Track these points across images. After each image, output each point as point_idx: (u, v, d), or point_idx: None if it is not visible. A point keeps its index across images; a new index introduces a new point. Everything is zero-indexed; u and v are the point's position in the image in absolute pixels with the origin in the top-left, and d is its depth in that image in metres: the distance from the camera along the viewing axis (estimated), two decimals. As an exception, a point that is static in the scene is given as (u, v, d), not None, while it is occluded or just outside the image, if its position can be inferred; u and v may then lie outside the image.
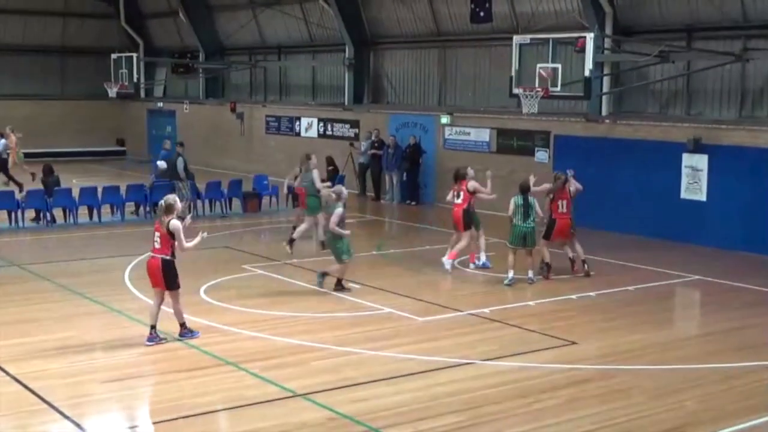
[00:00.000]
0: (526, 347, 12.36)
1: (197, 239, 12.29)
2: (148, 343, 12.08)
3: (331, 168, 26.82)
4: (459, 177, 17.52)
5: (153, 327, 12.23)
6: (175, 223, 11.92)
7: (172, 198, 12.21)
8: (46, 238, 21.05)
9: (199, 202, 24.38)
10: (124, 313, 13.83)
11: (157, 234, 11.98)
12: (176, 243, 11.97)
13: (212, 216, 24.12)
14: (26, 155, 31.29)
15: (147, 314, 12.66)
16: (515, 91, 20.31)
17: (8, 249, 19.15)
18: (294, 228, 19.30)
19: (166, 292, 12.18)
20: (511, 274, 16.09)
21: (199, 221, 22.06)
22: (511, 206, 16.35)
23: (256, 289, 15.73)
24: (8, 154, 29.04)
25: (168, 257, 12.01)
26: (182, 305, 12.43)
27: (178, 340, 12.30)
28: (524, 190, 16.38)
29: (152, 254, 12.11)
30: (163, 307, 12.35)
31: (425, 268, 17.60)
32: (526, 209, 16.24)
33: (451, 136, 26.75)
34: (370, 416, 9.63)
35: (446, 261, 17.17)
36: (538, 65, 19.73)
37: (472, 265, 17.57)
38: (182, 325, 12.40)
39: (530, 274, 16.30)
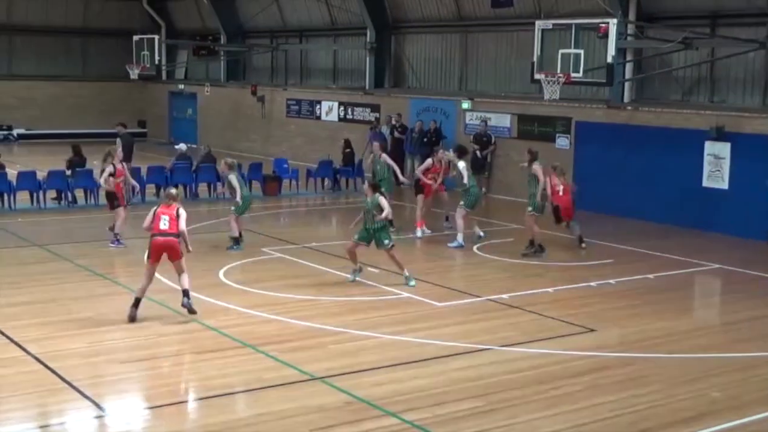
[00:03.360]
0: (544, 334, 12.33)
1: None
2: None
3: (348, 150, 26.83)
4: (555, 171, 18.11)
5: (138, 300, 12.58)
6: (183, 211, 12.84)
7: (173, 190, 13.48)
8: (67, 218, 21.15)
9: (218, 186, 24.40)
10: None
11: (167, 216, 12.65)
12: (179, 222, 12.66)
13: (231, 199, 24.09)
14: (48, 136, 31.04)
15: (167, 296, 12.92)
16: (537, 76, 20.18)
17: (30, 229, 19.26)
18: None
19: (178, 262, 12.62)
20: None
21: (218, 203, 22.19)
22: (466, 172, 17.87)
23: (275, 272, 15.76)
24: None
25: (178, 232, 12.66)
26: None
27: (185, 307, 12.51)
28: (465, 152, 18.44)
29: (167, 234, 12.58)
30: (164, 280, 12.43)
31: (445, 253, 17.57)
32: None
33: (472, 121, 26.66)
34: (387, 400, 9.63)
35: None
36: (560, 51, 19.62)
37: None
38: (187, 291, 12.61)
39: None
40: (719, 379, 10.61)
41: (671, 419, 9.32)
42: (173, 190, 13.44)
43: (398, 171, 20.42)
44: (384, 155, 20.24)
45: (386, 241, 14.85)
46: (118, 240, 17.55)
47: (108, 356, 11.09)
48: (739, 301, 14.63)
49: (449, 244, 17.93)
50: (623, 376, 10.68)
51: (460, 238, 17.88)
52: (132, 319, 12.42)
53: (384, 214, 14.78)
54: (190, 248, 12.99)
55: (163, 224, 12.60)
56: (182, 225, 12.68)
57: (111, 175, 17.68)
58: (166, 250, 12.59)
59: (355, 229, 15.26)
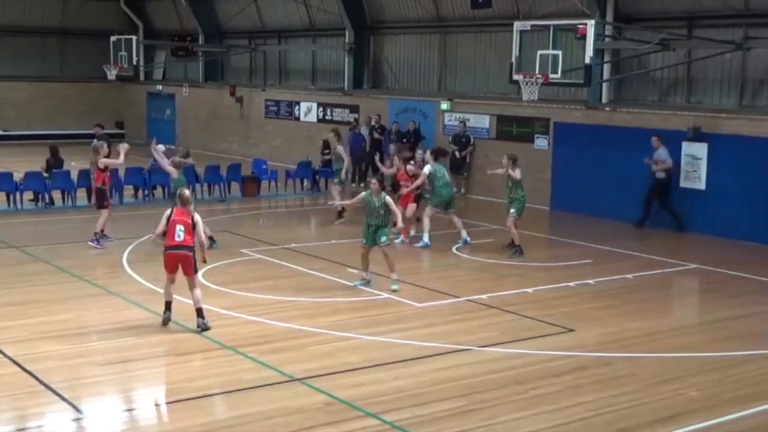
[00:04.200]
0: (523, 334, 12.37)
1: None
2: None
3: (327, 152, 26.77)
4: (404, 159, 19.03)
5: (169, 303, 12.32)
6: (198, 217, 12.32)
7: (186, 191, 12.74)
8: (45, 220, 21.02)
9: (197, 186, 24.34)
10: (122, 296, 13.82)
11: (182, 226, 12.10)
12: (197, 232, 12.17)
13: (211, 200, 24.09)
14: (25, 137, 30.82)
15: (146, 297, 12.88)
16: (515, 77, 20.26)
17: (7, 231, 19.12)
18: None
19: (190, 278, 12.18)
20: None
21: (198, 205, 22.05)
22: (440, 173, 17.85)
23: (255, 274, 15.73)
24: None
25: (192, 245, 12.18)
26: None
27: (204, 326, 12.14)
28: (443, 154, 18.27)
29: (181, 247, 12.09)
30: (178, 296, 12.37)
31: (423, 254, 17.61)
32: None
33: (451, 122, 26.70)
34: (367, 401, 9.63)
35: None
36: (539, 52, 19.69)
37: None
38: (201, 310, 12.23)
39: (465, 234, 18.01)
40: (697, 379, 10.67)
41: (650, 419, 9.37)
42: (187, 192, 12.63)
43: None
44: (339, 147, 21.25)
45: (384, 239, 14.74)
46: (97, 240, 17.50)
47: (86, 358, 11.02)
48: (716, 301, 14.73)
49: (416, 245, 17.94)
50: (602, 375, 10.73)
51: (426, 238, 17.96)
52: (165, 322, 12.21)
53: (399, 226, 15.18)
54: (207, 260, 12.58)
55: (178, 236, 12.05)
56: (201, 235, 12.25)
57: (102, 170, 17.77)
58: (179, 264, 12.19)
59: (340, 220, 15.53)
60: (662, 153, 20.38)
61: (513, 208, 17.33)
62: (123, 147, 18.34)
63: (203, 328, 12.08)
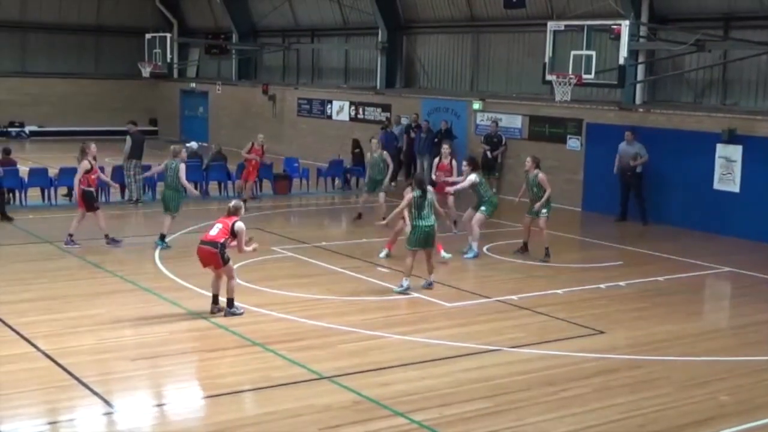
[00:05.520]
0: (553, 335, 12.32)
1: (251, 248, 12.97)
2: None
3: (357, 150, 26.85)
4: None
5: (215, 297, 12.78)
6: (240, 225, 12.60)
7: (239, 203, 13.17)
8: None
9: (229, 183, 24.48)
10: (154, 292, 13.92)
11: (220, 225, 12.56)
12: (237, 243, 12.58)
13: (242, 197, 24.15)
14: (60, 133, 31.11)
15: (178, 294, 13.15)
16: (548, 77, 20.19)
17: (41, 226, 19.31)
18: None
19: (222, 270, 12.55)
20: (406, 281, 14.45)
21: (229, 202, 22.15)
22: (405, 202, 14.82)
23: (285, 271, 15.77)
24: None
25: (222, 242, 12.42)
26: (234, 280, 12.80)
27: (228, 314, 12.58)
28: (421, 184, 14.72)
29: (206, 242, 12.52)
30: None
31: (454, 254, 17.55)
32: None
33: (483, 121, 26.63)
34: (395, 400, 9.63)
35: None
36: (572, 52, 19.60)
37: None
38: (230, 300, 12.64)
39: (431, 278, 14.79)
40: (728, 383, 10.57)
41: (680, 422, 9.30)
42: (237, 204, 13.02)
43: (389, 174, 20.65)
44: (385, 153, 20.59)
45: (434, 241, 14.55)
46: (113, 240, 17.36)
47: (117, 353, 11.11)
48: (749, 305, 14.58)
49: (464, 256, 17.14)
50: (632, 378, 10.66)
51: (476, 247, 17.18)
52: (212, 312, 12.64)
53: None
54: (252, 247, 12.88)
55: (213, 231, 12.55)
56: (241, 245, 12.56)
57: (87, 171, 17.15)
58: (202, 260, 12.60)
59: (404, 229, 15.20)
60: (641, 149, 21.10)
61: (544, 207, 17.05)
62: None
63: (228, 314, 12.53)
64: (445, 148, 19.90)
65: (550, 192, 16.92)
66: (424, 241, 14.35)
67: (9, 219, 19.67)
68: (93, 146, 17.55)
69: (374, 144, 20.86)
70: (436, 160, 19.73)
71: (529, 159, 17.37)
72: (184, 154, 18.25)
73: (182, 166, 17.49)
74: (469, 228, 17.38)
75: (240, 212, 12.89)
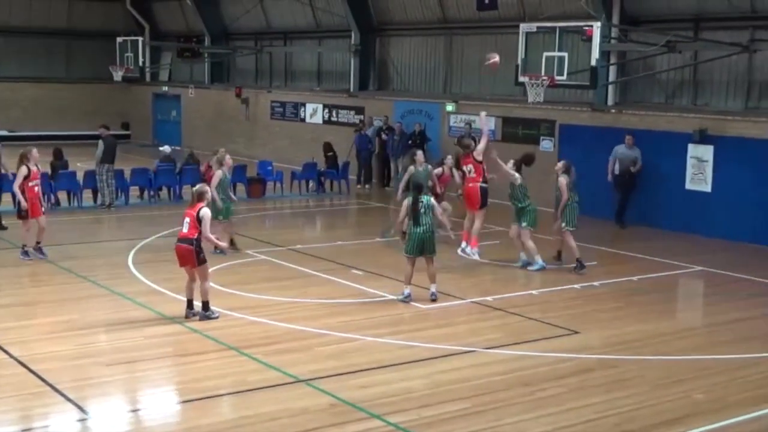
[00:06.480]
0: (529, 336, 12.36)
1: (222, 244, 13.50)
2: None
3: (330, 154, 26.84)
4: (464, 148, 17.06)
5: (189, 302, 12.68)
6: (205, 212, 12.51)
7: (203, 186, 13.04)
8: (50, 221, 20.94)
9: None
10: (128, 297, 13.83)
11: (188, 219, 12.50)
12: (202, 229, 12.47)
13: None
14: (31, 138, 30.83)
15: (151, 298, 13.01)
16: (521, 79, 20.27)
17: (12, 232, 19.12)
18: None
19: (196, 270, 12.48)
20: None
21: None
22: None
23: (260, 274, 15.73)
24: None
25: (196, 237, 12.42)
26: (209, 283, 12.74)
27: (203, 317, 12.53)
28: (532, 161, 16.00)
29: (180, 239, 12.54)
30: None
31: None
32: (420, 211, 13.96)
33: (456, 123, 26.68)
34: (372, 403, 9.63)
35: (471, 251, 16.80)
36: (544, 54, 19.68)
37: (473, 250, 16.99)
38: (205, 303, 12.59)
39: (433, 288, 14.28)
40: (702, 381, 10.65)
41: (655, 421, 9.36)
42: (201, 188, 12.85)
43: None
44: (429, 167, 18.77)
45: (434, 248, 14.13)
46: (27, 253, 16.51)
47: (92, 359, 11.03)
48: (722, 303, 14.69)
49: (530, 269, 16.38)
50: (607, 378, 10.71)
51: (539, 259, 16.42)
52: (186, 317, 12.57)
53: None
54: (222, 244, 13.20)
55: (184, 227, 12.48)
56: (206, 231, 12.44)
57: (25, 177, 16.20)
58: (179, 257, 12.53)
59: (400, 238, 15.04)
60: (638, 153, 21.06)
61: (563, 221, 16.38)
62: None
63: (203, 318, 12.47)
64: (448, 158, 18.93)
65: (565, 199, 16.23)
66: (420, 248, 13.94)
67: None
68: (35, 151, 16.64)
69: (419, 156, 18.80)
70: (438, 170, 18.68)
71: (559, 164, 16.80)
72: (228, 160, 17.79)
73: (218, 173, 17.23)
74: (518, 245, 16.65)
75: (205, 197, 12.74)
